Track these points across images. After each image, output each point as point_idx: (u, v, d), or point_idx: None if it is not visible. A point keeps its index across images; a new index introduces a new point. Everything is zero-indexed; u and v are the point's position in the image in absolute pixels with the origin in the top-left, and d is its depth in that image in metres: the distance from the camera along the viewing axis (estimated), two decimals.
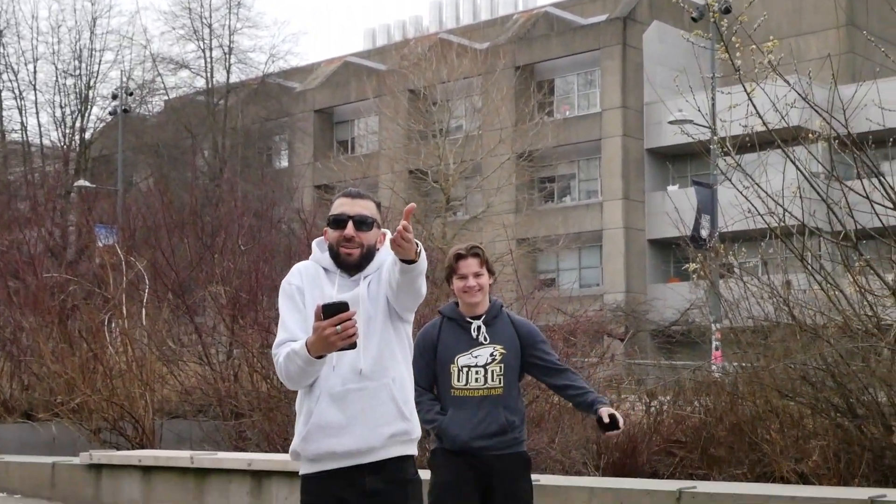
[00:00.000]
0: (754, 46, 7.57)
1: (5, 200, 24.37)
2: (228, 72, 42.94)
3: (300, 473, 3.47)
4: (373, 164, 40.50)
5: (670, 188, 33.32)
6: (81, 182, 31.30)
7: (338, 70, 46.79)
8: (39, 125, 43.09)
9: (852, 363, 6.57)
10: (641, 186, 37.76)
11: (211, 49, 42.79)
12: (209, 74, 42.93)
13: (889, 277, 7.25)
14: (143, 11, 63.90)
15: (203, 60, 42.91)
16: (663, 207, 31.29)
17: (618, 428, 4.44)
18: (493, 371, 4.67)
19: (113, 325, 12.53)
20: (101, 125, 42.84)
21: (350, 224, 3.43)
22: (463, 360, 4.68)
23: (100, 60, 41.77)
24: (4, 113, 42.17)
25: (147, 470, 8.86)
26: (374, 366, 3.38)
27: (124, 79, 41.07)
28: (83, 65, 41.61)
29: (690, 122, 13.10)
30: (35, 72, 45.54)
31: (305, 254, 3.68)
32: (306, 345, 3.21)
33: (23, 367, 13.48)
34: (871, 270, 7.16)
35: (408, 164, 37.06)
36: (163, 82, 43.30)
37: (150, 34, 67.45)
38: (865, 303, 7.10)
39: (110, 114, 39.72)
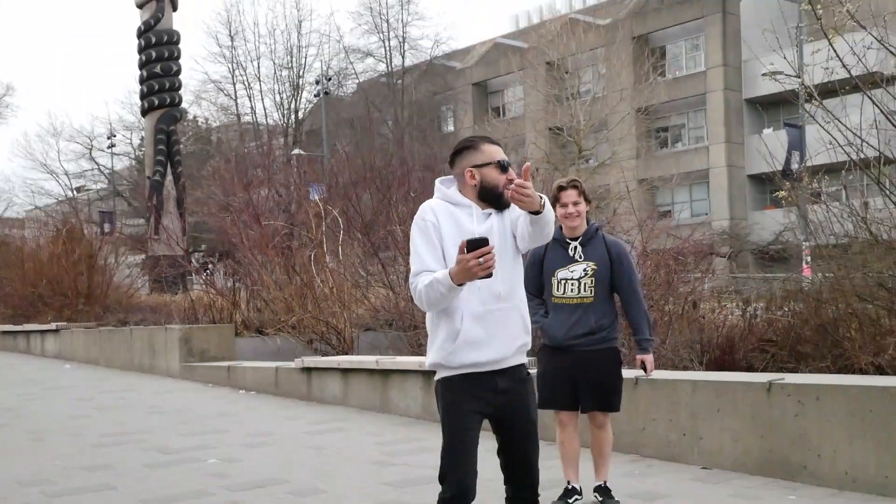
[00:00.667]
0: None
1: (243, 168, 25.23)
2: (403, 57, 43.16)
3: (438, 378, 3.30)
4: (519, 124, 40.18)
5: (765, 131, 31.61)
6: (297, 151, 32.25)
7: (489, 50, 46.25)
8: (265, 108, 44.87)
9: None
10: (741, 131, 36.03)
11: (389, 39, 43.09)
12: (388, 60, 43.26)
13: None
14: (335, 13, 64.42)
15: (383, 49, 43.29)
16: (760, 147, 29.71)
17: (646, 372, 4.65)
18: (585, 283, 4.58)
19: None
20: (310, 105, 43.97)
21: (510, 168, 3.27)
22: (562, 273, 4.62)
23: (305, 55, 43.19)
24: (238, 101, 43.88)
25: (345, 371, 9.06)
26: (508, 290, 3.23)
27: (324, 68, 41.92)
28: (293, 59, 42.73)
29: (781, 73, 12.27)
30: (259, 67, 47.33)
31: None
32: (450, 275, 3.04)
33: (255, 294, 14.03)
34: None
35: (547, 122, 36.60)
36: (353, 69, 43.95)
37: (342, 31, 68.49)
38: None
39: (315, 96, 40.68)
